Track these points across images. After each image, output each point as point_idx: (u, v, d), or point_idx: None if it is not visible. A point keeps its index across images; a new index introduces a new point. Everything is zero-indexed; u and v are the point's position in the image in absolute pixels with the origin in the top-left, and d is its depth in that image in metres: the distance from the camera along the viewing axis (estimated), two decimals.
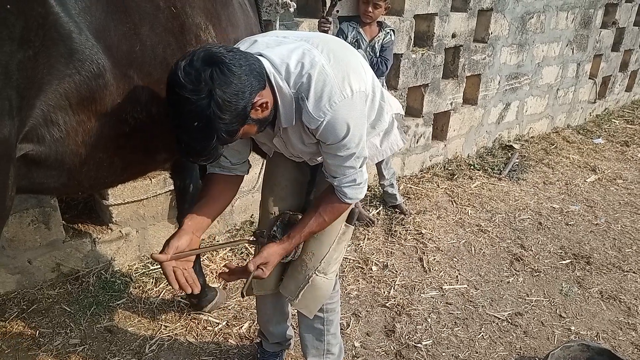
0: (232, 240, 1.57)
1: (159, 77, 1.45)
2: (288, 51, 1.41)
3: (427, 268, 3.01)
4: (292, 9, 2.64)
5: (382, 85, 3.00)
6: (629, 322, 2.67)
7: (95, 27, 1.29)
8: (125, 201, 2.68)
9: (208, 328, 2.43)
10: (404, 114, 1.76)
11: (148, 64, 1.45)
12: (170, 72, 1.27)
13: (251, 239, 1.77)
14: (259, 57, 1.38)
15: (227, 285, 2.72)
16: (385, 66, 3.07)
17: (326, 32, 2.79)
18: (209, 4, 1.69)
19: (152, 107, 1.46)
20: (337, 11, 2.99)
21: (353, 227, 1.83)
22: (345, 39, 3.01)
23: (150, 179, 2.72)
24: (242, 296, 1.65)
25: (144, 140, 1.53)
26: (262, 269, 1.61)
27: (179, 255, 1.49)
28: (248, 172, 1.71)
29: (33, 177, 1.34)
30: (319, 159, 1.66)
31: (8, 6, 1.08)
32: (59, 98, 1.24)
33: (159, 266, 2.78)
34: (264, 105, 1.36)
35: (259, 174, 1.93)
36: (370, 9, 2.95)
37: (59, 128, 1.27)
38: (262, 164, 1.91)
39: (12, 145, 1.15)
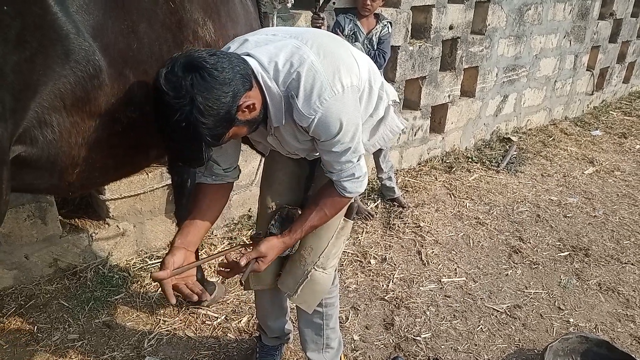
0: (227, 248, 1.57)
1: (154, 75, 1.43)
2: (277, 49, 1.39)
3: (425, 261, 3.01)
4: (289, 4, 2.61)
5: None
6: (627, 314, 2.68)
7: (92, 26, 1.26)
8: (122, 196, 2.67)
9: (207, 322, 2.43)
10: (399, 100, 1.76)
11: (144, 62, 1.42)
12: (154, 79, 1.27)
13: (248, 242, 1.75)
14: (247, 57, 1.37)
15: (225, 280, 2.71)
16: (383, 59, 3.05)
17: (319, 27, 2.76)
18: None
19: (146, 105, 1.43)
20: (334, 3, 2.96)
21: (352, 221, 1.82)
22: (342, 32, 2.99)
23: (147, 174, 2.71)
24: (241, 284, 1.64)
25: (137, 138, 1.51)
26: (258, 262, 1.59)
27: (178, 270, 1.47)
28: (238, 178, 1.69)
29: (23, 177, 1.31)
30: (317, 154, 1.65)
31: (5, 7, 1.05)
32: (53, 99, 1.21)
33: (157, 261, 2.78)
34: (251, 106, 1.35)
35: (258, 168, 1.92)
36: (368, 1, 2.93)
37: (53, 129, 1.25)
38: (261, 159, 1.89)
39: (5, 149, 1.12)
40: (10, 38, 1.07)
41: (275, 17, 2.66)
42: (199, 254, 2.32)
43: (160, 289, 2.57)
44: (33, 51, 1.12)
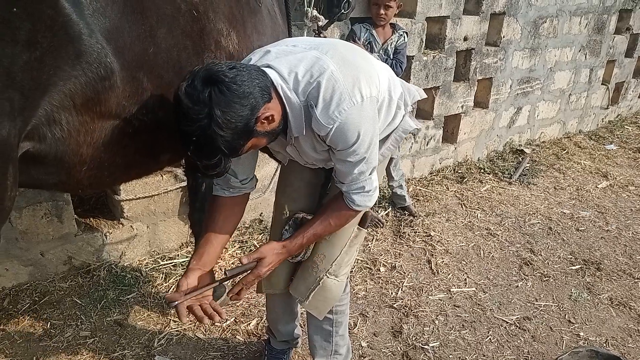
0: (238, 267, 1.59)
1: (170, 80, 1.43)
2: (297, 60, 1.41)
3: (435, 270, 3.00)
4: (320, 22, 2.64)
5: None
6: (639, 330, 2.65)
7: (107, 29, 1.26)
8: (137, 197, 2.71)
9: (216, 324, 2.45)
10: (424, 96, 1.76)
11: (160, 67, 1.43)
12: (174, 92, 1.31)
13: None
14: (267, 69, 1.40)
15: (235, 282, 2.73)
16: (400, 69, 3.07)
17: None
18: (235, 10, 1.66)
19: (159, 109, 1.44)
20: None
21: (365, 230, 1.82)
22: (358, 41, 3.01)
23: (162, 176, 2.75)
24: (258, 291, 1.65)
25: (148, 141, 1.52)
26: (259, 267, 1.58)
27: (190, 295, 1.49)
28: (255, 187, 1.71)
29: (31, 173, 1.32)
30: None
31: (14, 9, 1.06)
32: (63, 98, 1.22)
33: (169, 262, 2.83)
34: (270, 118, 1.37)
35: (274, 175, 1.94)
36: (382, 11, 2.95)
37: (61, 128, 1.26)
38: (278, 166, 1.92)
39: (12, 146, 1.13)
40: (19, 39, 1.08)
41: (305, 33, 2.67)
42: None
43: (169, 288, 2.61)
44: (43, 51, 1.13)
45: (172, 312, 2.49)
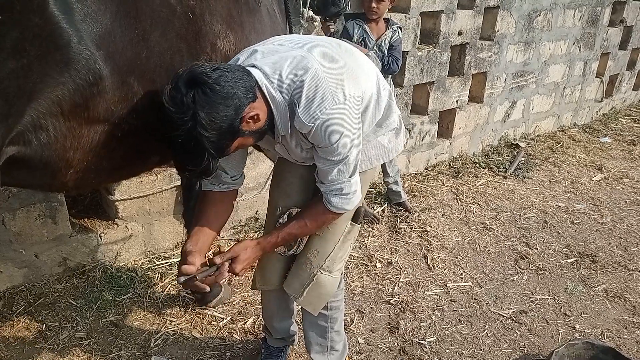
0: (212, 267, 1.60)
1: (162, 84, 1.40)
2: (281, 59, 1.42)
3: (431, 265, 3.01)
4: (316, 23, 2.64)
5: (390, 85, 2.99)
6: (634, 321, 2.66)
7: (99, 34, 1.23)
8: (131, 196, 2.70)
9: (213, 323, 2.45)
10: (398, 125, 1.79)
11: (152, 71, 1.40)
12: (160, 95, 1.31)
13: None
14: (251, 69, 1.40)
15: (231, 281, 2.73)
16: (396, 65, 3.06)
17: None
18: (233, 11, 1.64)
19: (149, 113, 1.41)
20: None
21: (359, 225, 1.82)
22: (351, 39, 2.99)
23: (156, 175, 2.74)
24: (188, 288, 1.69)
25: (137, 144, 1.50)
26: (233, 264, 1.59)
27: (204, 274, 1.54)
28: (242, 184, 1.74)
29: (14, 175, 1.30)
30: None
31: (0, 17, 1.05)
32: (50, 105, 1.20)
33: (165, 262, 2.82)
34: (256, 117, 1.38)
35: (270, 173, 1.95)
36: (374, 4, 2.93)
37: (48, 133, 1.24)
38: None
39: None
40: (5, 46, 1.06)
41: (301, 33, 2.67)
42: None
43: (165, 288, 2.61)
44: (30, 59, 1.11)
45: (169, 311, 2.50)
